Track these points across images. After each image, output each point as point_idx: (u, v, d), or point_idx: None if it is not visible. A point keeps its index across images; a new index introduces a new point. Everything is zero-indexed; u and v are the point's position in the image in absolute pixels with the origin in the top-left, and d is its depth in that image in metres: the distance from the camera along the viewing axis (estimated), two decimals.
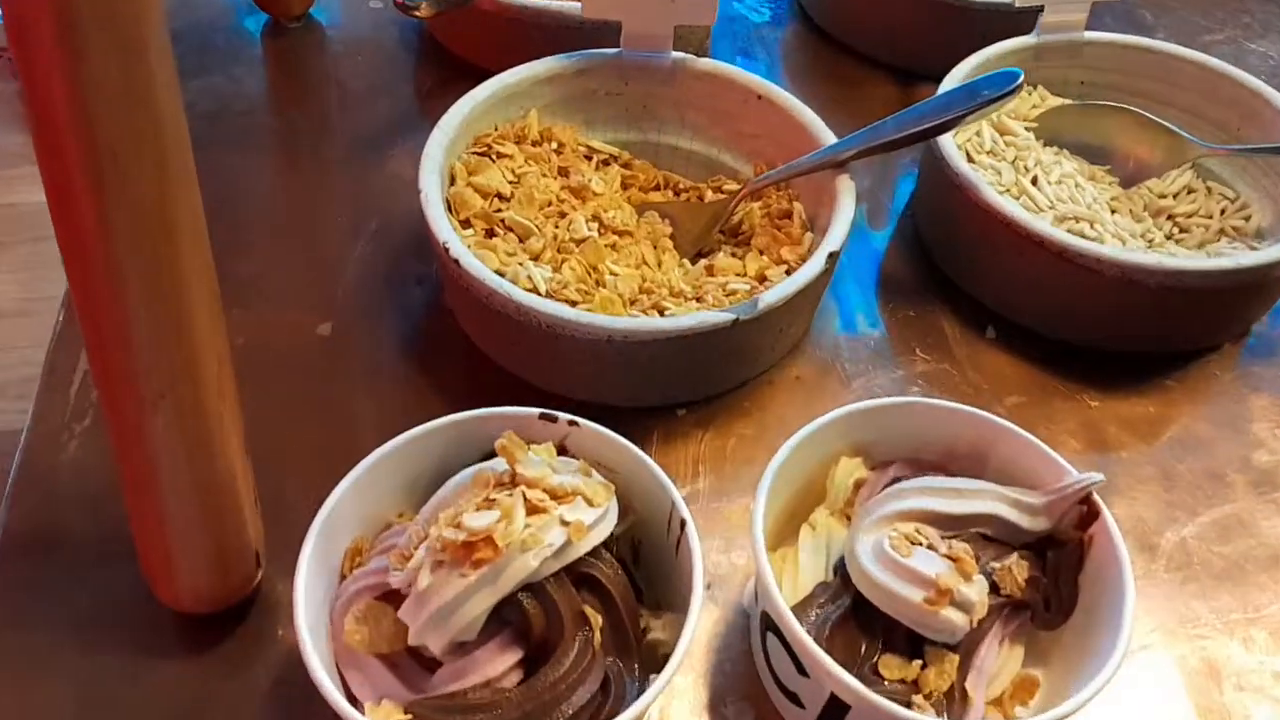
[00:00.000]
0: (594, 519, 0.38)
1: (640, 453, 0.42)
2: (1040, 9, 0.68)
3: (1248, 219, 0.65)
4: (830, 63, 0.80)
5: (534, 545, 0.36)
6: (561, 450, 0.43)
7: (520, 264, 0.55)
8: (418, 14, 0.64)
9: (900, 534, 0.41)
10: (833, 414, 0.45)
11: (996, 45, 0.68)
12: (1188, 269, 0.55)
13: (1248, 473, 0.55)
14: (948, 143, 0.60)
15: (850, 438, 0.47)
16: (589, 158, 0.65)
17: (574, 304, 0.53)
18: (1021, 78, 0.54)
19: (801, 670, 0.39)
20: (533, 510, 0.37)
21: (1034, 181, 0.63)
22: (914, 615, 0.39)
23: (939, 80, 0.65)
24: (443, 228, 0.53)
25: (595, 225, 0.59)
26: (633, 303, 0.55)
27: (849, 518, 0.46)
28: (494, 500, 0.37)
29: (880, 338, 0.61)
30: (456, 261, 0.51)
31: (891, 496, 0.43)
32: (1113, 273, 0.55)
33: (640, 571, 0.44)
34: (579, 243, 0.58)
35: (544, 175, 0.61)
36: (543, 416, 0.43)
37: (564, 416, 0.43)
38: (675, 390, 0.55)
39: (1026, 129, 0.67)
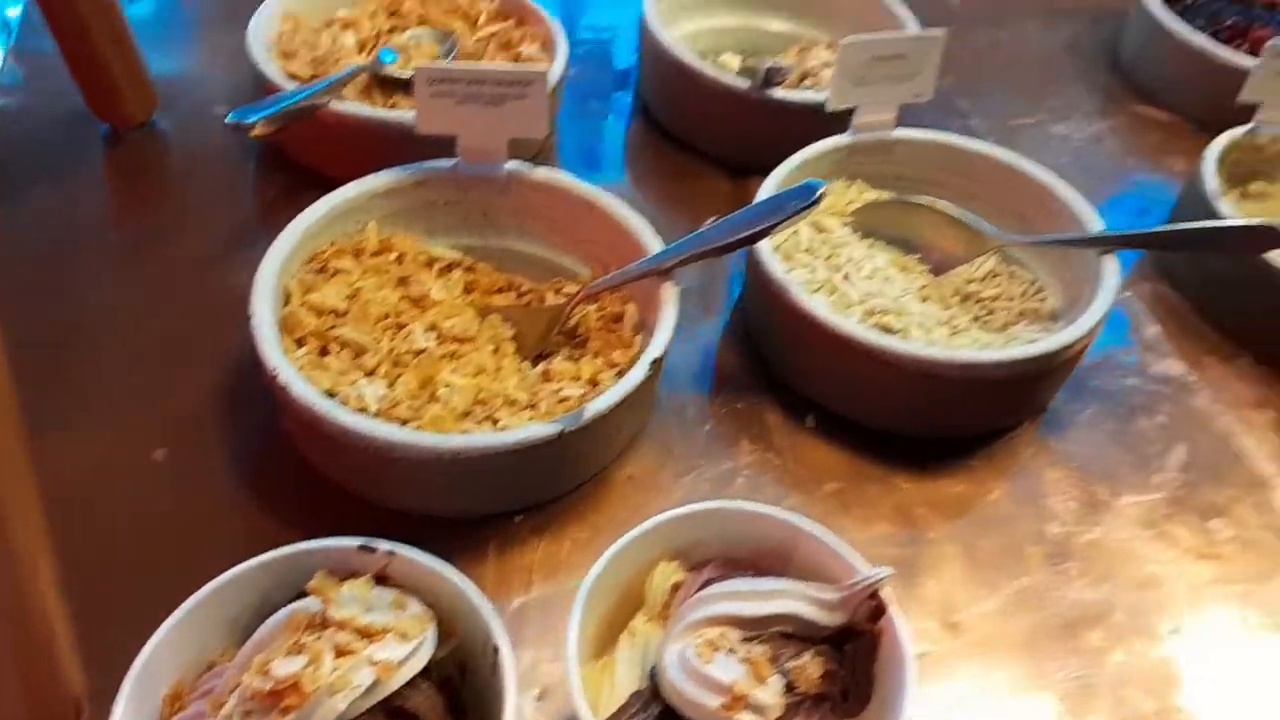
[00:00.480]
0: (405, 654, 0.40)
1: (458, 578, 0.44)
2: (853, 110, 0.73)
3: (1044, 301, 0.71)
4: (670, 159, 0.84)
5: (342, 688, 0.38)
6: (383, 578, 0.45)
7: (352, 383, 0.57)
8: (253, 133, 0.66)
9: (705, 640, 0.44)
10: (645, 524, 0.48)
11: (816, 145, 0.73)
12: (980, 361, 0.60)
13: (1042, 544, 0.60)
14: (764, 245, 0.65)
15: (666, 544, 0.50)
16: (431, 265, 0.67)
17: (405, 422, 0.55)
18: (821, 190, 0.59)
19: None
20: (342, 652, 0.39)
21: (846, 277, 0.67)
22: None
23: (769, 172, 0.70)
24: (271, 352, 0.54)
25: (433, 335, 0.62)
26: (466, 414, 0.57)
27: (667, 621, 0.48)
28: (303, 645, 0.39)
29: (710, 431, 0.64)
30: (285, 388, 0.53)
31: (699, 603, 0.46)
32: (913, 367, 0.60)
33: (468, 690, 0.45)
34: (416, 354, 0.60)
35: (382, 287, 0.63)
36: (361, 549, 0.44)
37: (383, 546, 0.45)
38: (510, 499, 0.58)
39: (844, 223, 0.72)
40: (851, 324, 0.61)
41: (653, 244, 0.64)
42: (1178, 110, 0.98)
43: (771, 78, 0.75)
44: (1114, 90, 1.01)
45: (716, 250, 0.61)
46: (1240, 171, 0.84)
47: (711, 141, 0.83)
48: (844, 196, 0.74)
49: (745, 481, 0.61)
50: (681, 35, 0.91)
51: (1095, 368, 0.72)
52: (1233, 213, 0.75)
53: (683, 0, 0.90)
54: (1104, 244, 0.67)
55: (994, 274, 0.73)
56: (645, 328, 0.63)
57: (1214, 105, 0.88)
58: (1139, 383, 0.72)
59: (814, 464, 0.63)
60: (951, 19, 1.06)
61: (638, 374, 0.57)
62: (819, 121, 0.75)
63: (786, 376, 0.67)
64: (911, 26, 0.85)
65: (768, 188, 0.68)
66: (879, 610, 0.47)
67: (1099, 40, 1.07)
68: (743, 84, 0.78)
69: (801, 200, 0.59)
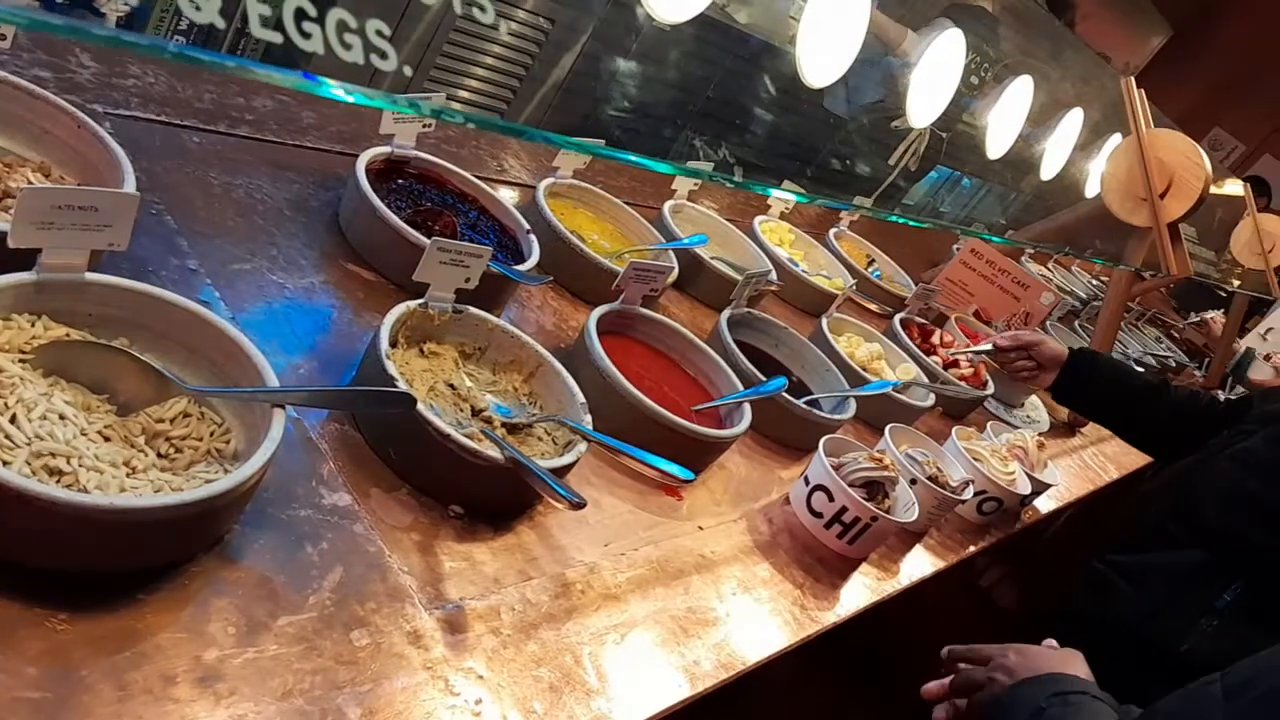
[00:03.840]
0: None
1: None
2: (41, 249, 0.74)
3: (229, 442, 0.79)
4: None
5: None
6: None
7: None
8: None
9: None
10: None
11: None
12: (131, 506, 0.65)
13: (196, 670, 0.66)
14: None
15: None
16: None
17: None
18: None
19: None
20: None
21: (13, 419, 0.67)
22: None
23: None
24: None
25: None
26: None
27: None
28: None
29: None
30: None
31: None
32: (66, 511, 0.62)
33: None
34: None
35: None
36: None
37: None
38: None
39: (22, 361, 0.71)
40: (5, 470, 0.61)
41: None
42: (381, 272, 1.18)
43: None
44: (330, 247, 1.16)
45: None
46: (418, 334, 1.04)
47: None
48: (26, 333, 0.73)
49: None
50: None
51: (276, 501, 0.82)
52: (397, 372, 0.92)
53: None
54: (270, 397, 0.77)
55: (185, 414, 0.78)
56: None
57: (407, 271, 1.08)
58: (311, 514, 0.83)
59: None
60: (188, 161, 1.13)
61: None
62: (9, 251, 0.74)
63: None
64: (128, 172, 0.88)
65: None
66: None
67: (323, 201, 1.22)
68: None
69: None
